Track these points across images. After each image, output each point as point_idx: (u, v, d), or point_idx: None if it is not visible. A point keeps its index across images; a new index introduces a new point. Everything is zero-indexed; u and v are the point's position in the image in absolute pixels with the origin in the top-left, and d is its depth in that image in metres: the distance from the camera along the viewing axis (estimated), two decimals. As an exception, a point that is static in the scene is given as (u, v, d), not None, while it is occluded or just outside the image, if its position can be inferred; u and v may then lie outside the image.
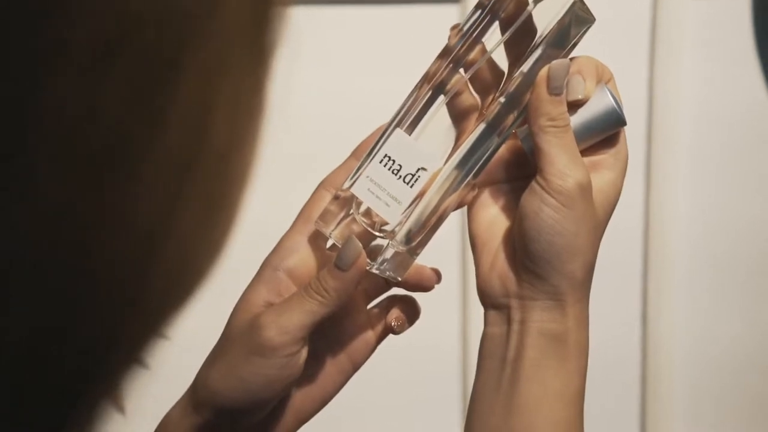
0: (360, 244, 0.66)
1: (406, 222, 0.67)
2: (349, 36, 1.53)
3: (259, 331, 0.66)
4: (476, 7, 0.68)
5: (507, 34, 0.67)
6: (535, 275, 0.67)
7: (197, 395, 0.69)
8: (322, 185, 0.71)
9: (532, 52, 0.67)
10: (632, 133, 0.70)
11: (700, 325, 1.66)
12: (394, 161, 0.67)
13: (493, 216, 0.71)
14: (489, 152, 0.68)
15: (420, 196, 0.67)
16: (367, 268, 0.67)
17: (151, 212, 0.32)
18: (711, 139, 1.57)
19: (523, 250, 0.67)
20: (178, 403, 0.70)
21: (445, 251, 1.43)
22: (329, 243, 0.68)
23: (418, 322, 0.75)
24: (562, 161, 0.66)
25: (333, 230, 0.68)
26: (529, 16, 0.67)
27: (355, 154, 0.71)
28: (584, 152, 0.68)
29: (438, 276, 0.73)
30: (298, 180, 1.20)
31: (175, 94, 0.31)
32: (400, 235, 0.68)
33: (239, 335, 0.67)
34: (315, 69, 1.47)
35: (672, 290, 1.64)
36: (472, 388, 0.70)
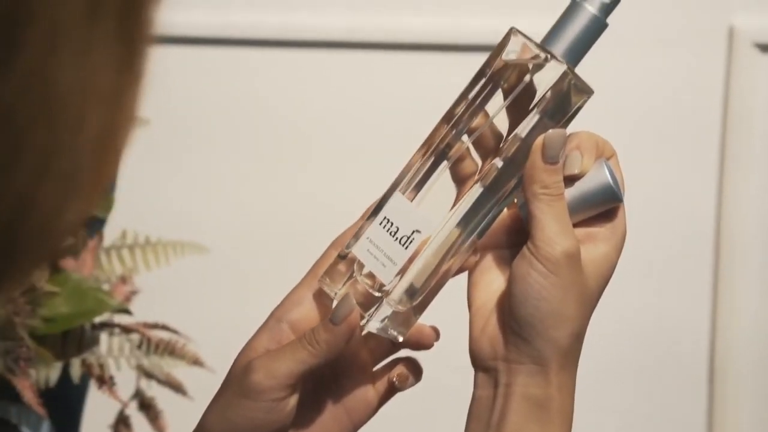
0: (354, 302, 0.68)
1: (400, 282, 0.69)
2: (408, 81, 1.57)
3: (249, 373, 0.68)
4: (479, 75, 0.70)
5: (508, 101, 0.69)
6: (521, 339, 0.68)
7: None
8: (332, 245, 0.73)
9: (530, 117, 0.68)
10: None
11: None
12: (392, 223, 0.69)
13: (491, 281, 0.72)
14: (489, 217, 0.70)
15: (414, 257, 0.69)
16: (370, 329, 0.70)
17: None
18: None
19: (510, 313, 0.68)
20: None
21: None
22: (334, 303, 0.70)
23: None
24: (552, 229, 0.67)
25: (337, 290, 0.70)
26: (531, 82, 0.68)
27: (364, 216, 0.73)
28: (580, 224, 0.70)
29: (437, 334, 0.74)
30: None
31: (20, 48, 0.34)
32: (396, 294, 0.69)
33: (234, 378, 0.70)
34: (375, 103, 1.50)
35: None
36: None
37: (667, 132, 1.76)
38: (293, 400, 0.69)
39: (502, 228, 0.72)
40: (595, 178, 0.69)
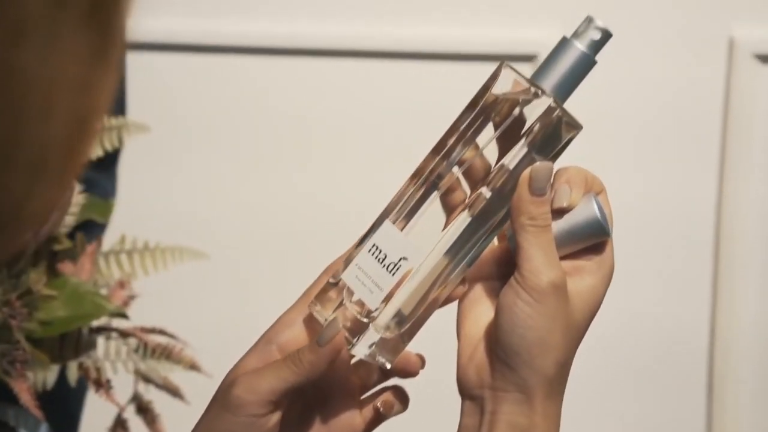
0: (340, 325, 0.70)
1: (387, 308, 0.70)
2: (409, 89, 1.58)
3: (231, 388, 0.70)
4: (470, 108, 0.71)
5: (498, 132, 0.70)
6: (507, 367, 0.69)
7: None
8: (325, 271, 0.74)
9: (518, 149, 0.70)
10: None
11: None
12: (380, 250, 0.70)
13: (480, 311, 0.73)
14: (477, 247, 0.71)
15: (401, 284, 0.70)
16: (358, 355, 0.72)
17: None
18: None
19: (497, 342, 0.69)
20: None
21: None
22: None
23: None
24: (538, 259, 0.68)
25: (327, 316, 0.71)
26: (520, 115, 0.69)
27: (356, 243, 0.74)
28: (569, 256, 0.71)
29: (423, 362, 0.76)
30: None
31: None
32: (382, 320, 0.71)
33: (219, 393, 0.72)
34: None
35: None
36: None
37: (668, 140, 1.77)
38: (275, 417, 0.70)
39: (493, 260, 0.74)
40: (583, 211, 0.70)
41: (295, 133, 1.80)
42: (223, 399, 0.70)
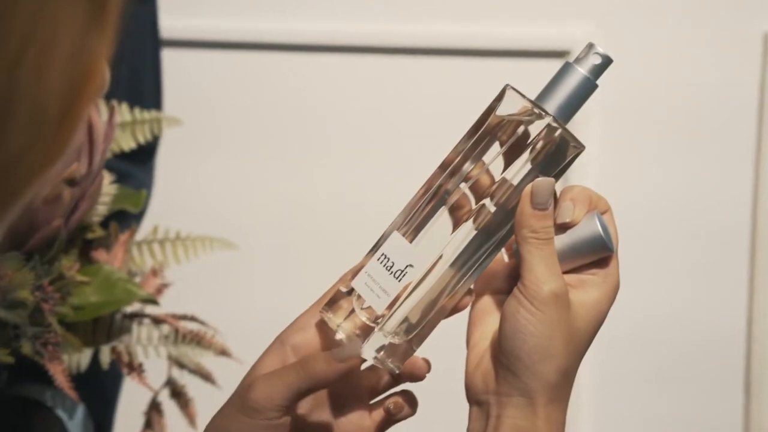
0: (360, 347, 0.73)
1: (394, 314, 0.74)
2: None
3: (248, 392, 0.73)
4: (475, 128, 0.74)
5: (504, 149, 0.73)
6: (510, 372, 0.72)
7: None
8: (340, 280, 0.77)
9: (522, 167, 0.73)
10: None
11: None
12: (388, 259, 0.74)
13: (488, 322, 0.77)
14: (483, 259, 0.74)
15: (407, 290, 0.73)
16: (368, 359, 0.74)
17: None
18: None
19: (500, 348, 0.72)
20: None
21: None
22: (337, 335, 0.75)
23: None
24: (539, 270, 0.71)
25: (338, 322, 0.75)
26: (524, 135, 0.73)
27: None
28: (574, 270, 0.74)
29: (429, 366, 0.78)
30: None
31: None
32: (390, 325, 0.74)
33: (237, 395, 0.74)
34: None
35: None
36: None
37: (704, 136, 1.77)
38: (288, 420, 0.73)
39: (503, 274, 0.77)
40: (586, 227, 0.73)
41: (324, 129, 1.82)
42: (239, 402, 0.73)
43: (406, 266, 0.73)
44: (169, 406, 1.14)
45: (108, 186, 1.06)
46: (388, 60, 1.78)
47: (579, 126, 1.56)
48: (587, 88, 0.73)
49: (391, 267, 0.74)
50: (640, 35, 1.72)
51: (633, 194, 1.78)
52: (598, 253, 0.74)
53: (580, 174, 1.68)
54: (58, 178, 0.94)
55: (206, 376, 1.13)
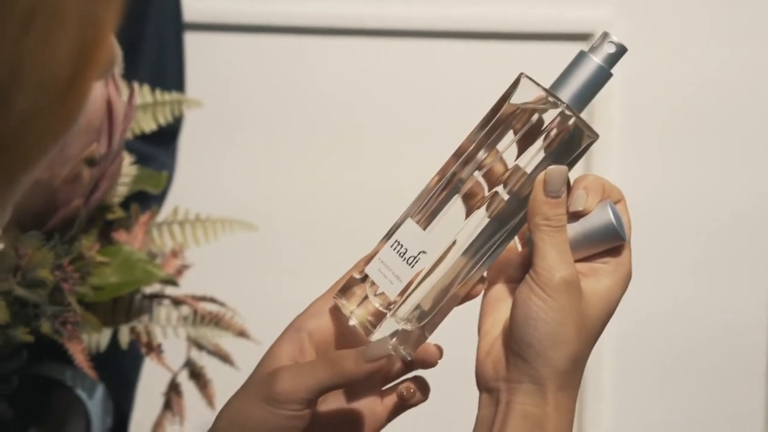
0: (389, 349, 0.73)
1: (407, 300, 0.74)
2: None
3: (274, 382, 0.73)
4: (490, 116, 0.74)
5: (518, 136, 0.74)
6: (520, 359, 0.72)
7: None
8: (354, 267, 0.78)
9: (536, 155, 0.73)
10: None
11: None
12: (402, 245, 0.75)
13: (501, 310, 0.77)
14: (495, 248, 0.75)
15: (419, 276, 0.74)
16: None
17: None
18: None
19: (511, 335, 0.73)
20: None
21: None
22: (350, 321, 0.76)
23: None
24: (551, 257, 0.72)
25: (352, 308, 0.75)
26: (539, 123, 0.73)
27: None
28: (586, 258, 0.74)
29: (441, 352, 0.79)
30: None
31: None
32: (402, 312, 0.74)
33: (259, 382, 0.74)
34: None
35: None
36: None
37: (727, 123, 1.76)
38: (310, 412, 0.74)
39: (516, 263, 0.77)
40: (598, 216, 0.73)
41: (345, 113, 1.83)
42: (264, 390, 0.73)
43: (419, 253, 0.74)
44: (187, 387, 1.15)
45: (128, 167, 1.07)
46: (412, 43, 1.78)
47: (599, 113, 1.56)
48: (602, 76, 0.73)
49: (404, 253, 0.74)
50: (660, 19, 1.71)
51: (657, 186, 1.77)
52: (610, 242, 0.74)
53: (601, 164, 1.67)
54: (77, 159, 0.95)
55: (225, 358, 1.14)
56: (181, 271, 1.14)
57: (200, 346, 1.13)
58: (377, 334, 0.74)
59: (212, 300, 1.13)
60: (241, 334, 1.13)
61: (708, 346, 1.82)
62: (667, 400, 1.85)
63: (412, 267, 0.74)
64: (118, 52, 0.50)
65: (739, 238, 1.80)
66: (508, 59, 1.69)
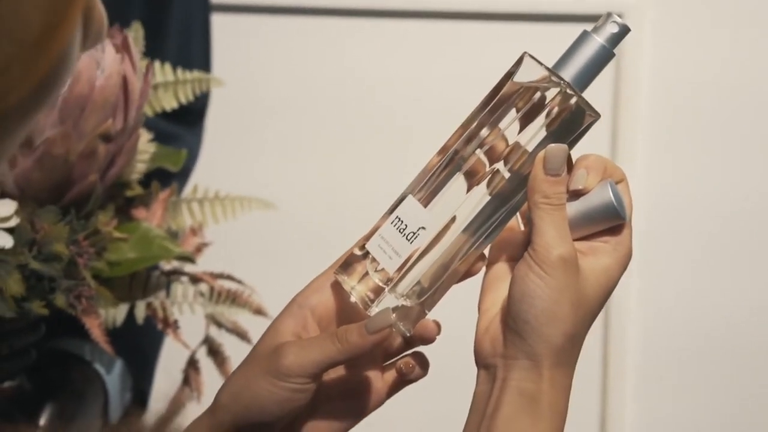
0: (391, 318, 0.74)
1: (406, 276, 0.75)
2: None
3: (280, 357, 0.74)
4: (492, 95, 0.75)
5: (520, 114, 0.74)
6: (517, 335, 0.72)
7: (215, 412, 0.77)
8: (356, 244, 0.78)
9: (537, 134, 0.73)
10: None
11: None
12: (402, 221, 0.75)
13: (501, 288, 0.77)
14: (496, 224, 0.75)
15: (417, 251, 0.74)
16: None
17: None
18: None
19: (508, 311, 0.73)
20: (199, 418, 0.78)
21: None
22: (351, 297, 0.76)
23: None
24: (550, 234, 0.72)
25: (353, 284, 0.76)
26: (541, 102, 0.73)
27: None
28: (586, 237, 0.74)
29: (439, 328, 0.79)
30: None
31: None
32: (401, 287, 0.75)
33: (263, 357, 0.75)
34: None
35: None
36: None
37: (755, 112, 1.75)
38: (314, 386, 0.75)
39: (517, 241, 0.77)
40: (598, 195, 0.73)
41: (372, 95, 1.83)
42: (270, 365, 0.74)
43: (419, 228, 0.74)
44: (205, 363, 1.16)
45: (146, 144, 1.08)
46: (432, 25, 1.78)
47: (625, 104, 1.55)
48: (604, 56, 0.73)
49: (404, 229, 0.75)
50: (686, 5, 1.70)
51: (689, 178, 1.76)
52: (610, 221, 0.74)
53: (628, 154, 1.66)
54: (93, 134, 0.96)
55: (242, 335, 1.15)
56: (200, 248, 1.14)
57: (219, 324, 1.14)
58: (376, 310, 0.75)
59: (230, 277, 1.14)
60: (258, 311, 1.14)
61: (734, 343, 1.81)
62: (692, 398, 1.84)
63: (411, 243, 0.74)
64: (104, 22, 0.50)
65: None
66: (523, 40, 1.68)
